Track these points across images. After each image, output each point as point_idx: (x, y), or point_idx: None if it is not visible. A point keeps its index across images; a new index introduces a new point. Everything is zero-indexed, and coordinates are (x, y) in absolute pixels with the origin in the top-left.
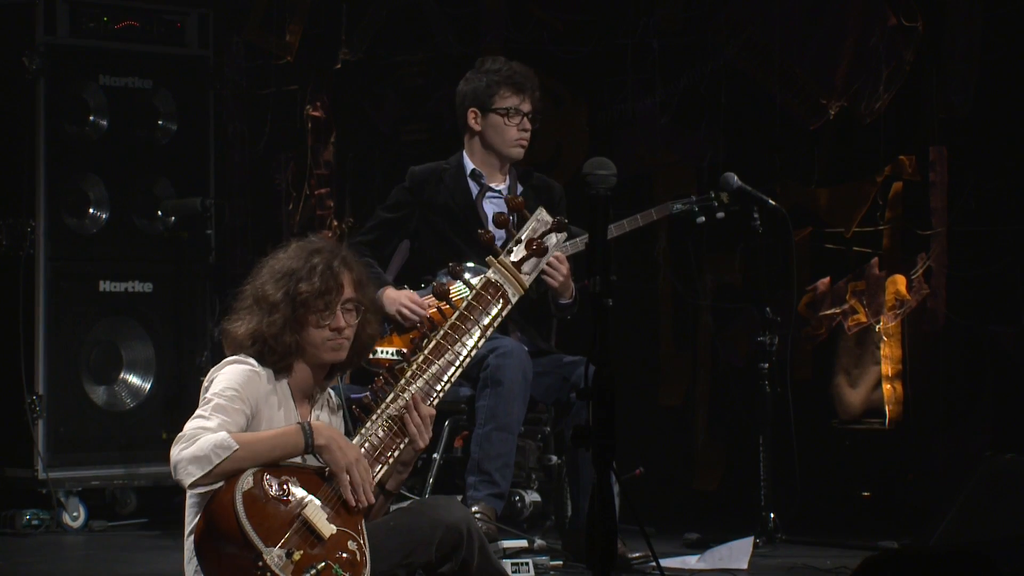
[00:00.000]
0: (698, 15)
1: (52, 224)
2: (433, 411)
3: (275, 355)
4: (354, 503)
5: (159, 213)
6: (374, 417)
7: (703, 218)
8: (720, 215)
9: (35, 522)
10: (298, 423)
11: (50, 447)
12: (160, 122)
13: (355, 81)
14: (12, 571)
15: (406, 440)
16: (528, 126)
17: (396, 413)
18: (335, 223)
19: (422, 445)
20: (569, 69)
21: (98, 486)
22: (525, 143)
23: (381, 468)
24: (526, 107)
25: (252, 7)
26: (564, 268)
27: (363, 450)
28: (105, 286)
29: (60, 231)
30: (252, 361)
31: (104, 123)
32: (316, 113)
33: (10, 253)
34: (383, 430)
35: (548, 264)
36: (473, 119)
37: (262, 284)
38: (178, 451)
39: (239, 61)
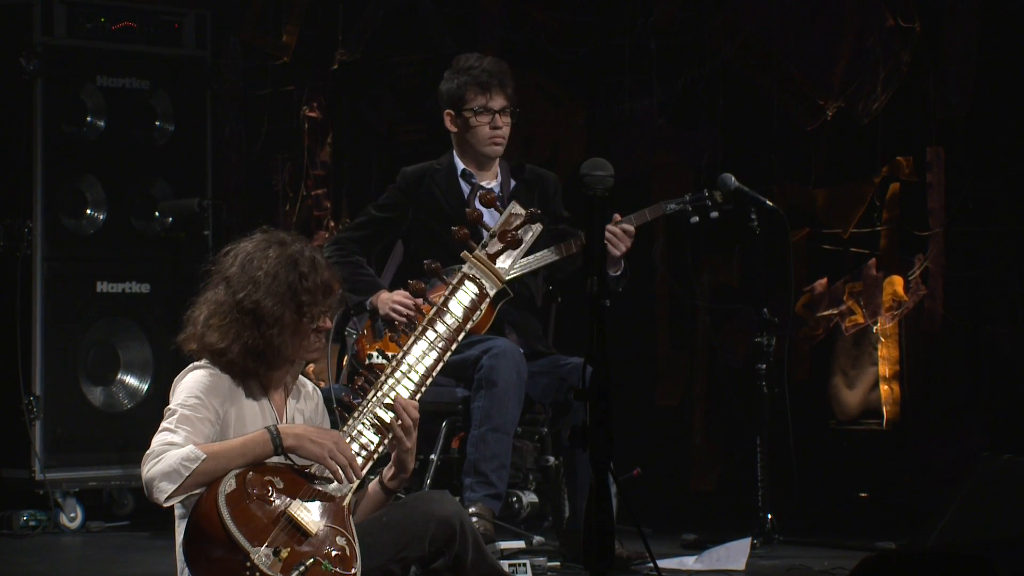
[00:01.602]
0: (695, 16)
1: (49, 225)
2: (416, 404)
3: (264, 365)
4: (350, 481)
5: (156, 214)
6: (356, 415)
7: (697, 218)
8: (714, 214)
9: (32, 523)
10: (265, 427)
11: (47, 448)
12: (157, 123)
13: (352, 82)
14: (9, 572)
15: (389, 436)
16: (500, 123)
17: (378, 410)
18: (332, 224)
19: (409, 445)
20: (566, 70)
21: (95, 487)
22: (499, 140)
23: (366, 464)
24: (496, 104)
25: (249, 8)
26: (628, 241)
27: None
28: (102, 287)
29: (57, 232)
30: (210, 365)
31: (101, 124)
32: (313, 114)
33: (7, 254)
34: (365, 427)
35: (613, 234)
36: (449, 121)
37: (251, 296)
38: (147, 470)
39: (236, 62)
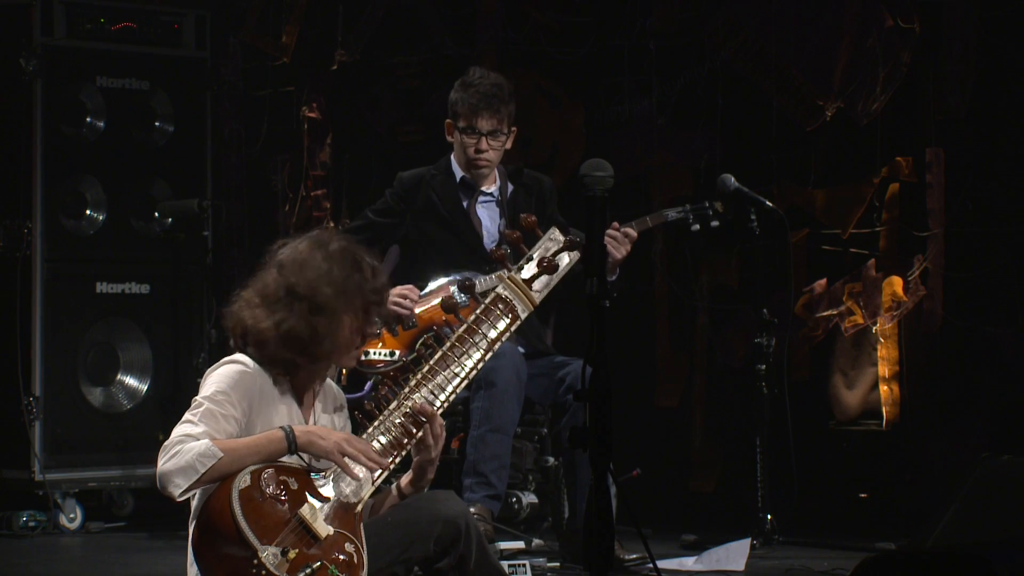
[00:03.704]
0: (695, 16)
1: (49, 226)
2: (442, 422)
3: (302, 354)
4: (364, 474)
5: (156, 214)
6: (376, 423)
7: (698, 226)
8: (715, 224)
9: (32, 523)
10: (279, 427)
11: (47, 448)
12: (157, 123)
13: (351, 82)
14: (9, 573)
15: (408, 447)
16: (485, 146)
17: (398, 421)
18: (331, 224)
19: (434, 454)
20: (566, 70)
21: (95, 487)
22: (481, 164)
23: (383, 473)
24: (483, 127)
25: (248, 8)
26: (629, 245)
27: None
28: (102, 287)
29: (57, 232)
30: (246, 360)
31: (101, 124)
32: (312, 114)
33: (7, 255)
34: (385, 436)
35: (615, 237)
36: (448, 130)
37: (307, 282)
38: (163, 463)
39: (236, 62)
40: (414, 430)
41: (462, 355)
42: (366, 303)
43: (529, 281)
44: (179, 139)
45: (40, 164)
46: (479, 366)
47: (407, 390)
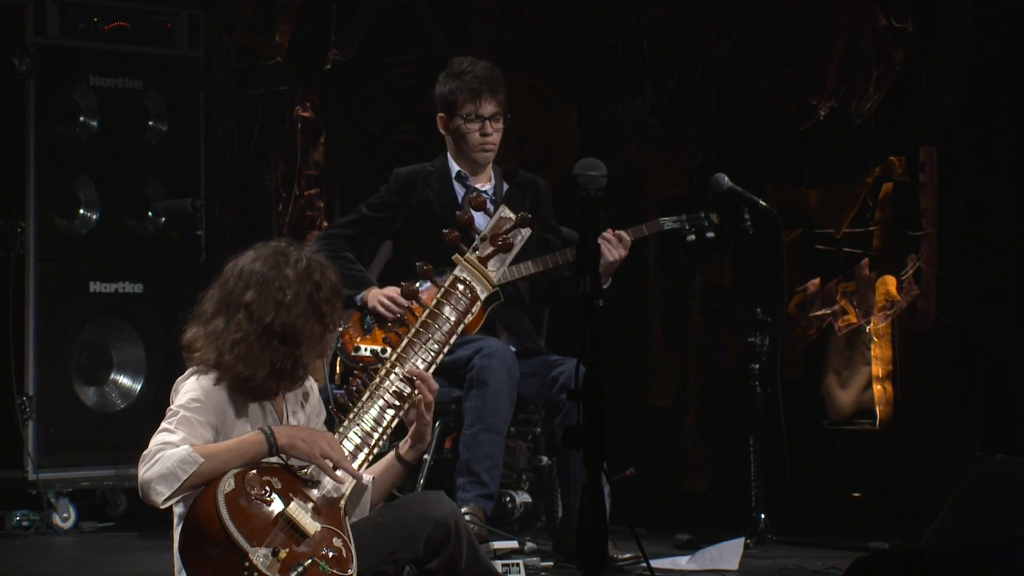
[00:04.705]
0: (688, 16)
1: (42, 225)
2: (435, 388)
3: (288, 381)
4: (344, 479)
5: (149, 214)
6: (351, 416)
7: (693, 237)
8: (710, 235)
9: (25, 523)
10: (259, 428)
11: (40, 448)
12: (150, 123)
13: (345, 81)
14: (2, 572)
15: (387, 433)
16: (490, 130)
17: (372, 412)
18: (325, 224)
19: (428, 418)
20: (559, 70)
21: (88, 487)
22: (489, 147)
23: (361, 465)
24: (486, 111)
25: (242, 8)
26: (623, 249)
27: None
28: (95, 287)
29: (50, 232)
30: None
31: (94, 124)
32: (306, 113)
33: (0, 254)
34: (360, 428)
35: (608, 240)
36: (442, 124)
37: (280, 319)
38: (144, 472)
39: (229, 62)
40: (400, 403)
41: (428, 340)
42: (324, 313)
43: (485, 260)
44: (172, 139)
45: (33, 163)
46: (445, 350)
47: (377, 381)
